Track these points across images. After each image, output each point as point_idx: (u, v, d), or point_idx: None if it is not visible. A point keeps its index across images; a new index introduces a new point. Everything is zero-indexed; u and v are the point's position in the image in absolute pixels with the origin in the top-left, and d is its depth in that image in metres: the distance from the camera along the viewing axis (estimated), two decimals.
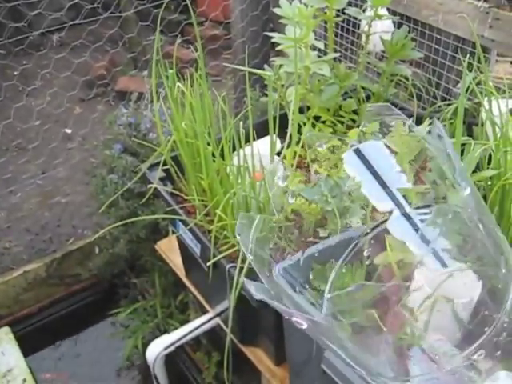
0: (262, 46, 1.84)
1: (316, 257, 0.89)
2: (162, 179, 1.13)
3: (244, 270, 0.90)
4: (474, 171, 0.89)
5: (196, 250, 1.05)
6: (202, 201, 1.02)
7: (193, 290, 1.29)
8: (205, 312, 1.29)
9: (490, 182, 0.92)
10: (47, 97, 2.18)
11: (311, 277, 0.87)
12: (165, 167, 1.10)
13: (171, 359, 1.41)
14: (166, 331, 1.62)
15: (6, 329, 1.57)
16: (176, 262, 1.32)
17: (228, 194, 0.92)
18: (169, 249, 1.36)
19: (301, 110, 1.27)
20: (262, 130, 1.05)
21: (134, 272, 1.77)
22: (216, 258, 0.95)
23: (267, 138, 1.03)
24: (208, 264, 0.95)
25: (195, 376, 1.58)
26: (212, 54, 2.53)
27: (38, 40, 2.57)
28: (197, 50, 1.01)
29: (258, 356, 1.14)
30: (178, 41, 2.74)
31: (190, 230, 1.02)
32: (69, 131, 2.34)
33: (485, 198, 0.91)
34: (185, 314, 1.67)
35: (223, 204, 0.92)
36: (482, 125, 1.06)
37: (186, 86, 0.98)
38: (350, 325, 0.82)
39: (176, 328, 1.37)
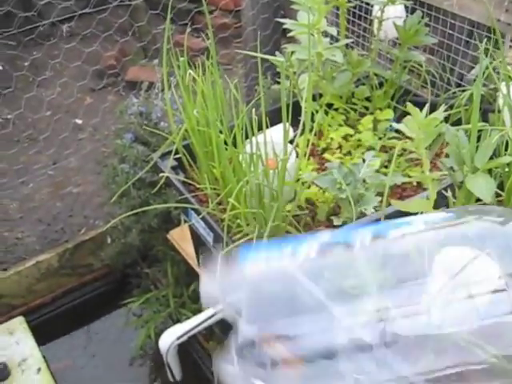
0: (272, 33, 1.83)
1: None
2: (173, 168, 1.12)
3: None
4: (491, 158, 0.88)
5: (209, 238, 1.04)
6: (215, 189, 1.01)
7: None
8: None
9: (507, 169, 0.90)
10: (58, 87, 2.18)
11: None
12: (176, 156, 1.09)
13: (184, 348, 1.40)
14: (178, 321, 1.62)
15: (20, 318, 1.58)
16: (188, 251, 1.32)
17: (241, 183, 0.91)
18: (181, 238, 1.36)
19: (313, 98, 1.25)
20: (274, 118, 1.03)
21: (147, 262, 1.77)
22: (229, 248, 0.94)
23: (280, 126, 1.01)
24: (222, 252, 0.95)
25: (208, 365, 1.58)
26: (222, 43, 2.51)
27: (47, 30, 2.57)
28: (208, 39, 1.00)
29: None
30: (189, 29, 2.73)
31: (203, 218, 1.01)
32: (79, 121, 2.34)
33: (502, 184, 0.89)
34: (197, 303, 1.67)
35: (236, 192, 0.91)
36: (499, 111, 1.04)
37: (198, 73, 0.97)
38: None
39: (188, 318, 1.36)
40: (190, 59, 1.04)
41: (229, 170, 0.95)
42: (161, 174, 1.04)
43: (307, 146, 1.04)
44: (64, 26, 2.61)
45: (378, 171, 1.03)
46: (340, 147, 1.22)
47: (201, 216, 1.00)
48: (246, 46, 1.91)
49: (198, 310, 1.62)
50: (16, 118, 1.84)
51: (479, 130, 0.93)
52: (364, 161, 1.02)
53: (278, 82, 1.26)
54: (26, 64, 2.13)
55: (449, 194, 0.92)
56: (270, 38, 1.84)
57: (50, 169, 2.07)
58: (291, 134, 1.20)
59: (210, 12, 2.83)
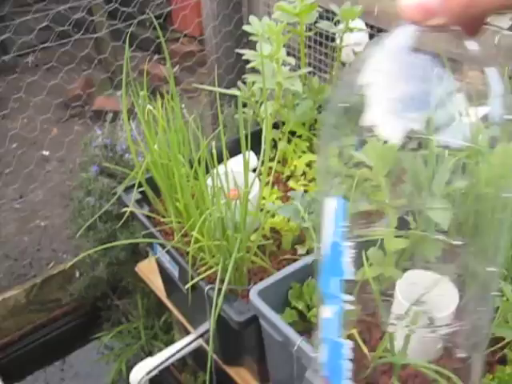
0: (236, 61, 1.84)
1: (294, 275, 0.88)
2: (138, 201, 1.12)
3: (223, 292, 0.89)
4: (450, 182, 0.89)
5: (174, 272, 1.04)
6: (179, 222, 1.01)
7: (175, 311, 1.28)
8: (189, 332, 1.27)
9: (464, 192, 0.92)
10: (23, 119, 2.16)
11: (289, 296, 0.87)
12: (141, 189, 1.08)
13: (157, 380, 1.39)
14: (150, 353, 1.60)
15: None
16: (157, 283, 1.31)
17: (203, 215, 0.90)
18: (149, 270, 1.34)
19: (276, 126, 1.26)
20: (238, 147, 1.04)
21: (117, 294, 1.75)
22: (194, 281, 0.93)
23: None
24: (186, 287, 0.94)
25: None
26: (188, 70, 2.52)
27: (11, 61, 2.54)
28: (173, 66, 1.00)
29: (243, 376, 1.13)
30: (155, 57, 2.74)
31: (168, 252, 1.01)
32: (46, 153, 2.32)
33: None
34: (169, 334, 1.65)
35: (199, 225, 0.91)
36: None
37: (158, 108, 0.97)
38: None
39: (160, 349, 1.35)
40: (156, 87, 1.05)
41: (191, 202, 0.95)
42: (124, 209, 1.03)
43: (270, 174, 1.05)
44: (28, 58, 2.59)
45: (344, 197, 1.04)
46: (304, 174, 1.23)
47: (166, 250, 1.00)
48: (210, 74, 1.92)
49: (171, 341, 1.61)
50: None
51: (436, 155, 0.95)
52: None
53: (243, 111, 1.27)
54: None
55: (409, 218, 0.93)
56: (233, 65, 1.86)
57: (16, 202, 2.04)
58: (255, 162, 1.21)
59: (177, 39, 2.85)
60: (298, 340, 0.75)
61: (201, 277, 0.93)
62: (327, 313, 0.56)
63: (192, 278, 0.94)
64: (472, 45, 0.43)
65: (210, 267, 0.94)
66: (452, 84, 0.44)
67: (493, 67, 0.45)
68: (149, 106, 0.92)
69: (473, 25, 0.41)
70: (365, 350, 0.79)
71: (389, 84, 0.44)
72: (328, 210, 0.52)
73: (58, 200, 2.01)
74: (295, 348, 0.74)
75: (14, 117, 2.32)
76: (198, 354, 1.37)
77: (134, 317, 1.71)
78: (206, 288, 0.93)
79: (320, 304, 0.55)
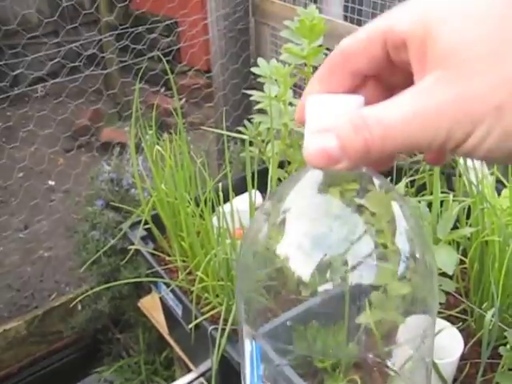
0: (243, 98, 1.87)
1: (298, 317, 0.88)
2: (143, 238, 1.12)
3: (226, 332, 0.89)
4: (456, 227, 0.90)
5: (178, 310, 1.03)
6: (184, 261, 1.01)
7: (176, 348, 1.27)
8: (190, 369, 1.26)
9: (469, 237, 0.92)
10: (31, 149, 2.18)
11: (293, 339, 0.86)
12: (146, 226, 1.09)
13: None
14: None
15: None
16: (159, 319, 1.30)
17: (209, 256, 0.91)
18: (152, 306, 1.34)
19: (282, 165, 1.28)
20: (243, 185, 1.05)
21: (118, 327, 1.74)
22: (197, 320, 0.93)
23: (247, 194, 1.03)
24: (190, 326, 0.94)
25: None
26: (195, 104, 2.56)
27: (22, 93, 2.59)
28: (180, 101, 1.02)
29: None
30: (163, 91, 2.77)
31: (172, 290, 1.01)
32: (52, 183, 2.33)
33: (465, 254, 0.91)
34: (170, 369, 1.64)
35: (204, 265, 0.91)
36: (460, 175, 1.08)
37: (166, 147, 0.99)
38: None
39: None
40: (164, 121, 1.06)
41: (197, 241, 0.96)
42: (130, 247, 1.04)
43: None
44: (38, 87, 2.63)
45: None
46: None
47: (170, 288, 1.00)
48: (217, 111, 1.95)
49: (171, 377, 1.59)
50: None
51: (441, 200, 0.96)
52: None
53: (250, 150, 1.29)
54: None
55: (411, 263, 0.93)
56: (240, 102, 1.88)
57: (21, 233, 2.05)
58: (260, 201, 1.22)
59: (185, 73, 2.90)
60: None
61: (204, 317, 0.93)
62: None
63: (196, 318, 0.93)
64: (378, 180, 0.45)
65: (214, 307, 0.94)
66: (358, 226, 0.46)
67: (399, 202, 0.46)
68: (157, 147, 0.94)
69: (379, 163, 0.42)
70: None
71: (298, 221, 0.46)
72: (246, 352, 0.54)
73: (62, 231, 2.02)
74: None
75: (22, 147, 2.35)
76: None
77: (135, 351, 1.70)
78: (210, 328, 0.93)
79: None
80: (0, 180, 1.98)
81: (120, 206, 1.13)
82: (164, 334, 1.30)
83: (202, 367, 1.19)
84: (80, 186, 2.09)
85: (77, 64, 1.77)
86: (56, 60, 1.71)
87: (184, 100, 2.47)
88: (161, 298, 1.11)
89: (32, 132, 2.15)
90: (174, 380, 1.33)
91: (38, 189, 2.13)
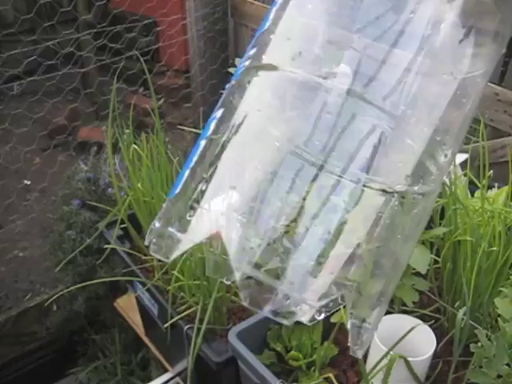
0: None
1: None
2: (119, 237, 1.12)
3: (202, 331, 0.89)
4: (430, 227, 0.91)
5: (154, 310, 1.03)
6: (160, 261, 1.01)
7: (153, 348, 1.27)
8: (166, 369, 1.26)
9: (442, 237, 0.94)
10: (6, 148, 2.15)
11: (268, 338, 0.87)
12: (123, 225, 1.09)
13: None
14: None
15: None
16: (135, 319, 1.30)
17: (184, 255, 0.91)
18: (128, 306, 1.34)
19: None
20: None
21: (94, 328, 1.72)
22: (173, 320, 0.93)
23: None
24: (165, 325, 0.94)
25: None
26: (174, 104, 2.55)
27: None
28: (159, 100, 1.02)
29: None
30: (142, 91, 2.76)
31: (148, 290, 1.01)
32: (28, 182, 2.30)
33: (438, 254, 0.93)
34: (146, 370, 1.63)
35: (180, 264, 0.91)
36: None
37: (143, 146, 0.99)
38: None
39: None
40: (142, 120, 1.06)
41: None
42: (106, 246, 1.04)
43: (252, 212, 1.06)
44: (14, 85, 2.60)
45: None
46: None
47: (146, 287, 1.00)
48: (195, 111, 1.94)
49: (147, 377, 1.58)
50: None
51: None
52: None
53: None
54: None
55: (384, 261, 0.95)
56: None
57: None
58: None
59: (163, 72, 2.89)
60: (276, 382, 0.75)
61: (180, 316, 0.94)
62: None
63: (171, 317, 0.94)
64: None
65: (190, 306, 0.94)
66: None
67: None
68: (134, 146, 0.93)
69: None
70: None
71: None
72: None
73: (37, 231, 1.99)
74: None
75: None
76: None
77: (111, 352, 1.68)
78: (185, 327, 0.93)
79: None
80: None
81: (97, 205, 1.13)
82: (140, 334, 1.30)
83: (178, 367, 1.19)
84: (56, 186, 2.07)
85: (54, 62, 1.75)
86: (33, 58, 1.69)
87: (162, 100, 2.46)
88: (137, 298, 1.11)
89: (7, 130, 2.12)
90: (150, 380, 1.33)
91: (13, 188, 2.10)
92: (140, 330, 1.29)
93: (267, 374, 0.77)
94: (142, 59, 1.12)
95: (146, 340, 1.28)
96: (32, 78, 1.72)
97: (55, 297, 1.07)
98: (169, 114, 2.57)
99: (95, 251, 1.46)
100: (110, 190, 1.45)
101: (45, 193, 2.17)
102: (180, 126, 1.18)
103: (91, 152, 1.65)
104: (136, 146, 0.96)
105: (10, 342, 1.76)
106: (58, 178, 2.06)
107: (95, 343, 1.72)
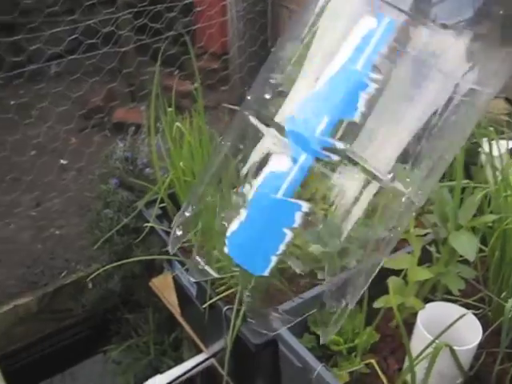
0: None
1: (313, 300, 0.88)
2: (158, 217, 1.12)
3: (241, 313, 0.89)
4: (475, 214, 0.89)
5: (192, 290, 1.03)
6: (200, 241, 1.00)
7: (188, 329, 1.27)
8: (199, 350, 1.26)
9: (490, 225, 0.91)
10: (44, 128, 2.17)
11: (308, 321, 0.86)
12: (162, 205, 1.09)
13: None
14: (158, 369, 1.58)
15: None
16: (171, 299, 1.30)
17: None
18: (164, 286, 1.34)
19: None
20: None
21: (128, 307, 1.74)
22: (212, 300, 0.93)
23: None
24: (204, 306, 0.94)
25: None
26: (210, 87, 2.54)
27: (36, 70, 2.57)
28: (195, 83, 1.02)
29: None
30: (178, 74, 2.76)
31: (187, 270, 1.00)
32: (65, 162, 2.33)
33: (485, 242, 0.90)
34: (178, 351, 1.64)
35: (220, 245, 0.90)
36: (482, 166, 1.06)
37: (184, 124, 0.98)
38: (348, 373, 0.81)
39: (169, 366, 1.34)
40: (178, 103, 1.05)
41: (213, 221, 0.95)
42: (145, 224, 1.03)
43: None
44: (52, 67, 2.62)
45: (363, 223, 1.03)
46: (325, 197, 1.22)
47: (185, 267, 1.00)
48: (232, 93, 1.93)
49: (179, 358, 1.59)
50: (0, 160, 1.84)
51: (463, 187, 0.94)
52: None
53: None
54: (13, 103, 2.13)
55: (432, 249, 0.92)
56: None
57: (33, 210, 2.05)
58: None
59: (200, 56, 2.88)
60: (319, 366, 0.74)
61: (219, 296, 0.93)
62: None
63: (210, 298, 0.93)
64: None
65: (230, 287, 0.93)
66: None
67: None
68: (177, 124, 0.93)
69: None
70: (384, 380, 0.78)
71: None
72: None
73: (74, 210, 2.01)
74: (315, 375, 0.73)
75: (36, 125, 2.34)
76: (208, 374, 1.35)
77: (144, 331, 1.70)
78: (224, 308, 0.92)
79: None
80: (13, 157, 1.97)
81: (137, 182, 1.13)
82: (175, 314, 1.30)
83: (214, 348, 1.19)
84: (92, 165, 2.08)
85: (94, 41, 1.75)
86: (74, 36, 1.70)
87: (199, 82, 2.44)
88: (174, 278, 1.11)
89: (47, 110, 2.14)
90: (182, 361, 1.33)
91: (50, 167, 2.12)
92: (175, 309, 1.29)
93: (310, 357, 0.76)
94: (187, 39, 1.12)
95: (182, 320, 1.28)
96: (73, 57, 1.73)
97: (93, 275, 1.07)
98: (205, 96, 2.56)
99: (132, 230, 1.47)
100: (147, 170, 1.45)
101: (81, 172, 2.19)
102: (224, 104, 1.17)
103: (129, 132, 1.65)
104: (179, 124, 0.95)
105: (47, 318, 1.79)
106: (94, 158, 2.08)
107: (128, 322, 1.74)
